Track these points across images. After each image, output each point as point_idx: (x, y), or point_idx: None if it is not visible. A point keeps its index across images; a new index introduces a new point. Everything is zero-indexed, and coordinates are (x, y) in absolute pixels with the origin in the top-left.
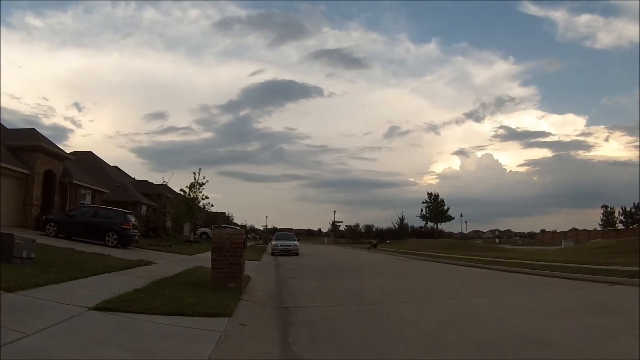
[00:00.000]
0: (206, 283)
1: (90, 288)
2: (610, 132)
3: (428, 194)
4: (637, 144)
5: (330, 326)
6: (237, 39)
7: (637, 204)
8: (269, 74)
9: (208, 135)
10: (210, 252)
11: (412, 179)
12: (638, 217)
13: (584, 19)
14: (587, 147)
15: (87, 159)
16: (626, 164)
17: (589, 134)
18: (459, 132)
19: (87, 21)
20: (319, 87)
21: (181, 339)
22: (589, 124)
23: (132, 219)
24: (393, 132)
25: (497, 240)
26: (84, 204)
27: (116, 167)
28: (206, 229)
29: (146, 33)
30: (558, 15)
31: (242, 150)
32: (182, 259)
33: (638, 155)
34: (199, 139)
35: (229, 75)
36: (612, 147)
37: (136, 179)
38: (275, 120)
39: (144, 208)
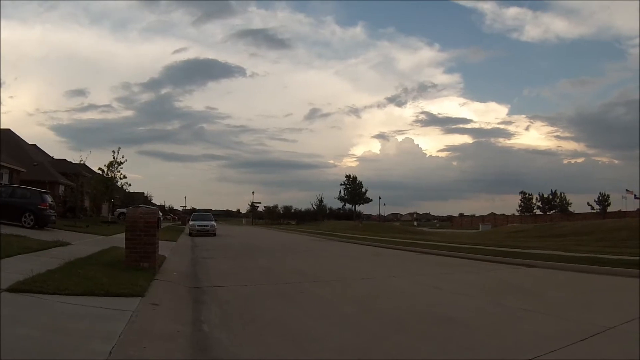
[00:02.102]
0: (120, 263)
1: (4, 270)
2: (531, 122)
3: (346, 176)
4: (558, 134)
5: (243, 305)
6: (163, 16)
7: (554, 191)
8: (192, 52)
9: (128, 113)
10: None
11: (331, 161)
12: (555, 203)
13: (513, 11)
14: (508, 135)
15: (5, 137)
16: (545, 152)
17: (510, 123)
18: (381, 116)
19: None
20: (241, 67)
21: (93, 318)
22: (510, 113)
23: (49, 199)
24: (314, 114)
25: (415, 223)
26: (0, 183)
27: (35, 145)
28: (124, 209)
29: (71, 5)
30: (487, 6)
31: (162, 129)
32: (98, 239)
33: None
34: (119, 117)
35: (152, 53)
36: (532, 136)
37: (55, 157)
38: (196, 100)
39: (62, 188)
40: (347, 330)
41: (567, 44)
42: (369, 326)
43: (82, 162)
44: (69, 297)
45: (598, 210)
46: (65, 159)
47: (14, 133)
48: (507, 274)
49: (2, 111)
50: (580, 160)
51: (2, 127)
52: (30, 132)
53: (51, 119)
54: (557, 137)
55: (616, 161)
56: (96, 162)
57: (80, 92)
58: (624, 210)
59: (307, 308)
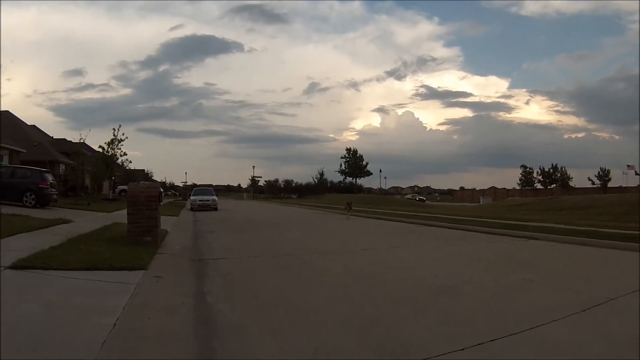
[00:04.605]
0: (123, 238)
1: (7, 248)
2: (531, 96)
3: (347, 149)
4: (558, 108)
5: (245, 277)
6: None
7: (555, 165)
8: (189, 29)
9: (126, 91)
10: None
11: (331, 135)
12: (556, 177)
13: None
14: (508, 109)
15: (3, 118)
16: (546, 127)
17: (510, 97)
18: (380, 89)
19: None
20: (239, 42)
21: (96, 292)
22: (510, 87)
23: (50, 178)
24: (313, 88)
25: (416, 197)
26: (1, 164)
27: (34, 126)
28: (125, 187)
29: None
30: None
31: (161, 107)
32: (100, 216)
33: None
34: (117, 96)
35: (148, 30)
36: (532, 110)
37: (54, 137)
38: (194, 76)
39: (62, 167)
40: (349, 301)
41: (566, 18)
42: (372, 297)
43: (82, 141)
44: (72, 272)
45: (599, 185)
46: (64, 139)
47: (12, 115)
48: (509, 246)
49: (1, 94)
50: (580, 135)
51: (1, 109)
52: (29, 114)
53: (49, 99)
54: (558, 111)
55: (617, 137)
56: (96, 141)
57: (78, 72)
58: (625, 185)
59: (309, 279)
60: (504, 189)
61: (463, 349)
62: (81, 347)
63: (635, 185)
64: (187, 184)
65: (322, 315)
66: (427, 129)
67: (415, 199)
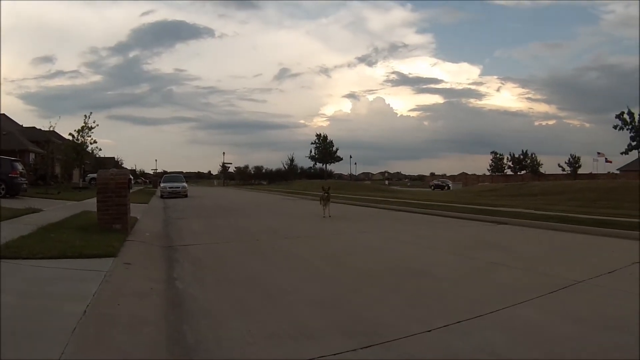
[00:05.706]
0: (93, 226)
1: None
2: (502, 83)
3: (317, 135)
4: (530, 96)
5: (215, 262)
6: None
7: (525, 151)
8: (160, 15)
9: (97, 78)
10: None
11: (302, 121)
12: (526, 164)
13: None
14: (479, 95)
15: None
16: (516, 114)
17: (481, 84)
18: (351, 75)
19: None
20: (210, 28)
21: (66, 280)
22: (482, 74)
23: (20, 167)
24: (284, 74)
25: (386, 182)
26: None
27: (4, 114)
28: (95, 175)
29: None
30: None
31: (131, 93)
32: (70, 205)
33: None
34: (87, 83)
35: (119, 16)
36: (503, 97)
37: (24, 126)
38: (164, 62)
39: (32, 156)
40: (320, 283)
41: (541, 7)
42: (341, 279)
43: (51, 129)
44: (42, 261)
45: (569, 172)
46: (34, 127)
47: None
48: (478, 230)
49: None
50: (551, 122)
51: None
52: None
53: (19, 87)
54: (529, 99)
55: (587, 125)
56: (66, 128)
57: (47, 59)
58: (595, 172)
59: (280, 263)
60: (474, 174)
61: (430, 330)
62: (51, 334)
63: (605, 173)
64: (158, 171)
65: (292, 297)
66: (398, 115)
67: (446, 185)
